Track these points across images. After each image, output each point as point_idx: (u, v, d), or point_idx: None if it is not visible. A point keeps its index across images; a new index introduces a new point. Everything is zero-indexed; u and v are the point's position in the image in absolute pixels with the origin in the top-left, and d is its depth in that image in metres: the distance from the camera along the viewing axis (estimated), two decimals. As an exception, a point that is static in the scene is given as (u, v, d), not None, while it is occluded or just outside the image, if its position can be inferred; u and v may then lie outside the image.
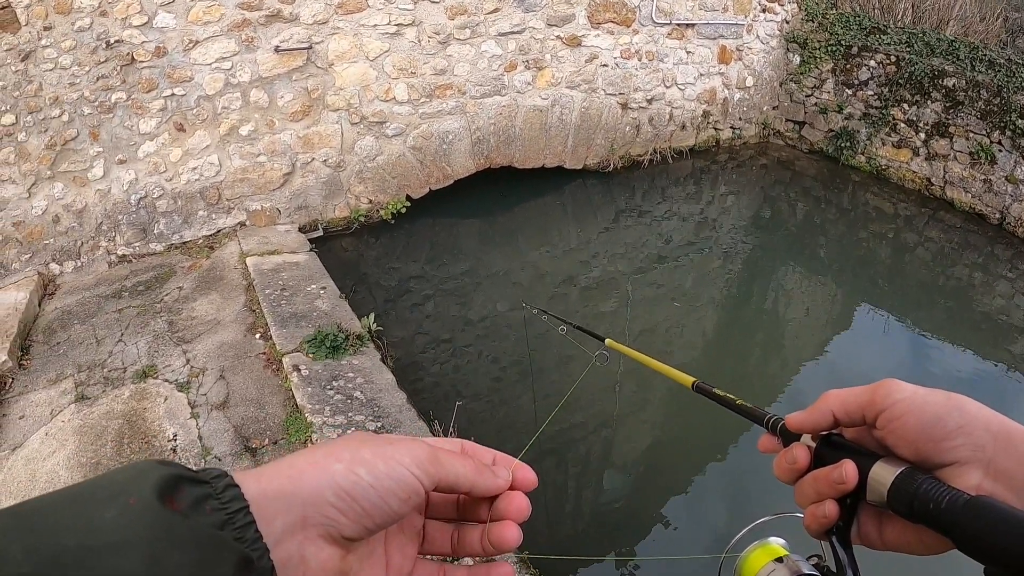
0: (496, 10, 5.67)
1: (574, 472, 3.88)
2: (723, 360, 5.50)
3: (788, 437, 0.59)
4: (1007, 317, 7.19)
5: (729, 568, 0.67)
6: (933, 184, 7.97)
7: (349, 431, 3.24)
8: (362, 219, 5.74)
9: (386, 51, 5.38)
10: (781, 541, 0.65)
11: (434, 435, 3.34)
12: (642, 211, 7.21)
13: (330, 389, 3.56)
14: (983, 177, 7.59)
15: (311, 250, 5.09)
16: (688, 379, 0.89)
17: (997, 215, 7.69)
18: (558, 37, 6.08)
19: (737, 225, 7.58)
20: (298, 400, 3.49)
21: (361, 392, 3.57)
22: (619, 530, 3.54)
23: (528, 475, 0.53)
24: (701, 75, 7.28)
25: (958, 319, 6.92)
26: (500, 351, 4.76)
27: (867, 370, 5.28)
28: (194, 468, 0.39)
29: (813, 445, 0.56)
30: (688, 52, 7.04)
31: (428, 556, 0.53)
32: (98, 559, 0.31)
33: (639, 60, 6.68)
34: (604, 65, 6.47)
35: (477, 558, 0.53)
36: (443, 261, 5.81)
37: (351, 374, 3.70)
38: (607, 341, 1.78)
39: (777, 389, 5.09)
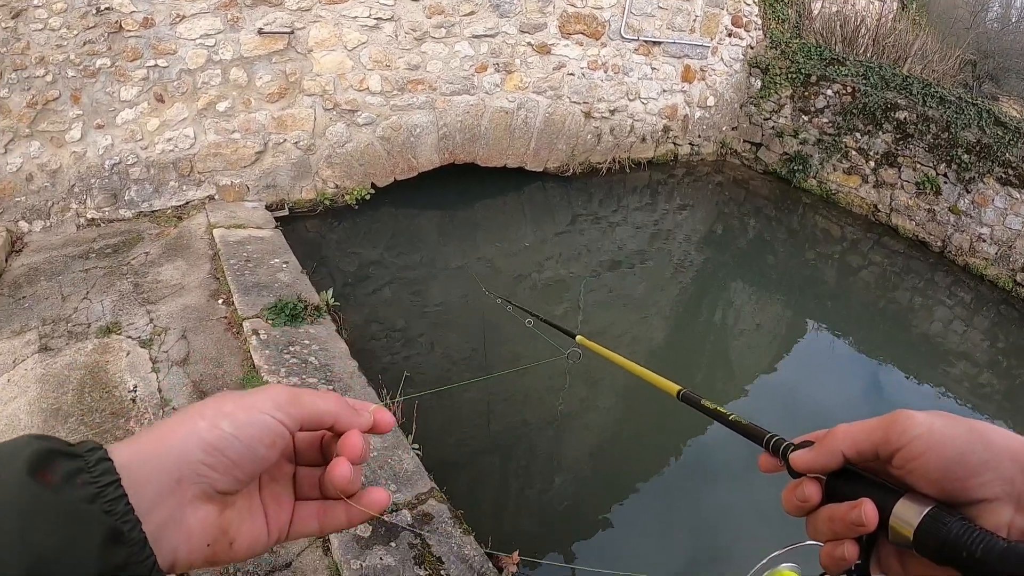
0: (472, 13, 5.93)
1: (525, 468, 3.99)
2: (672, 370, 5.62)
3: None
4: (944, 340, 7.55)
5: None
6: (880, 210, 8.42)
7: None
8: (327, 202, 5.93)
9: (364, 43, 5.60)
10: (793, 566, 0.64)
11: (382, 402, 3.52)
12: (598, 217, 7.45)
13: (286, 353, 3.76)
14: (927, 207, 8.05)
15: (276, 227, 5.27)
16: (673, 387, 0.84)
17: (939, 243, 8.13)
18: (529, 44, 6.37)
19: (690, 238, 7.85)
20: (255, 361, 3.68)
21: (315, 358, 3.77)
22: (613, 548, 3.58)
23: (386, 417, 0.55)
24: (664, 91, 7.64)
25: (898, 341, 7.20)
26: (453, 342, 4.95)
27: (813, 388, 5.49)
28: (71, 442, 0.42)
29: (824, 477, 0.53)
30: (653, 68, 7.39)
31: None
32: None
33: (605, 72, 7.00)
34: (571, 74, 6.78)
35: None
36: (402, 250, 5.98)
37: (307, 341, 3.90)
38: (578, 338, 1.67)
39: (725, 401, 5.26)
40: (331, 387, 3.54)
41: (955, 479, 0.45)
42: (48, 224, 4.79)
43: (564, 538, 3.51)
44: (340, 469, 0.50)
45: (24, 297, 4.19)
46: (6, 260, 4.48)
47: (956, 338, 7.48)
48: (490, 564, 2.54)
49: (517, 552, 2.86)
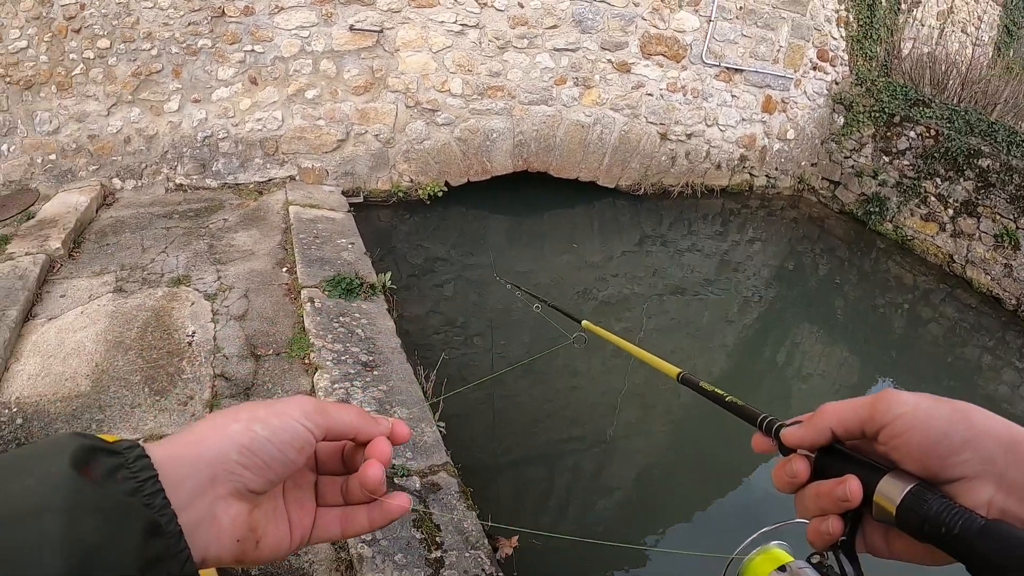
0: (555, 27, 6.09)
1: (570, 465, 3.97)
2: (719, 409, 5.51)
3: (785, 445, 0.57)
4: (1010, 406, 7.08)
5: (734, 571, 0.68)
6: (955, 261, 8.02)
7: (344, 358, 3.53)
8: (401, 195, 6.12)
9: (448, 46, 5.82)
10: (784, 545, 0.65)
11: (417, 380, 3.54)
12: (667, 240, 7.38)
13: (336, 322, 3.86)
14: (1004, 261, 7.61)
15: (349, 211, 5.46)
16: (673, 370, 0.87)
17: (1014, 301, 7.66)
18: (609, 61, 6.46)
19: (760, 272, 7.66)
20: (306, 324, 3.80)
21: (362, 330, 3.86)
22: (618, 522, 3.62)
23: (403, 429, 0.58)
24: (743, 120, 7.57)
25: (961, 397, 6.86)
26: (509, 346, 4.96)
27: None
28: (108, 440, 0.43)
29: (813, 455, 0.55)
30: (733, 96, 7.34)
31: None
32: (18, 524, 0.34)
33: (684, 95, 7.01)
34: (649, 94, 6.82)
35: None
36: (469, 249, 6.09)
37: (357, 315, 4.01)
38: (584, 323, 1.72)
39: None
40: (370, 358, 3.61)
41: (937, 456, 0.47)
42: (139, 184, 5.14)
43: (568, 527, 3.47)
44: (373, 470, 0.53)
45: (108, 244, 4.48)
46: (96, 211, 4.81)
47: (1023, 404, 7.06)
48: (486, 541, 2.51)
49: (516, 538, 2.82)
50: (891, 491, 0.48)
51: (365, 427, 0.55)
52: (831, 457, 0.53)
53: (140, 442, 0.44)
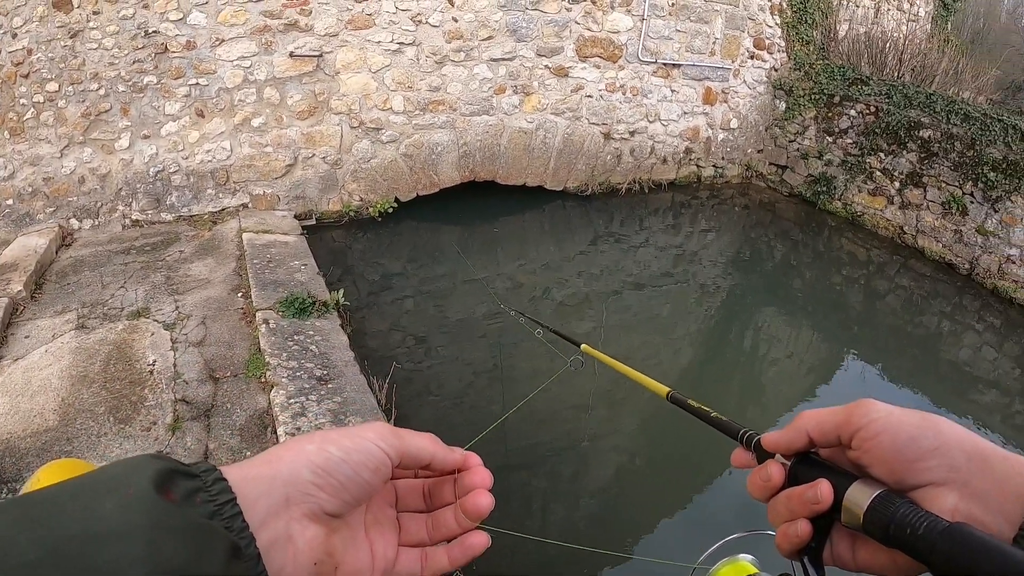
0: (490, 37, 6.32)
1: (543, 472, 4.05)
2: (698, 393, 5.56)
3: (763, 454, 0.59)
4: (972, 368, 7.28)
5: None
6: (906, 232, 8.26)
7: (299, 374, 3.76)
8: (352, 214, 6.34)
9: (387, 65, 6.04)
10: (751, 558, 0.68)
11: (372, 391, 3.75)
12: (620, 237, 7.52)
13: (290, 341, 4.07)
14: (954, 227, 7.83)
15: (302, 234, 5.66)
16: (663, 389, 0.89)
17: (966, 265, 7.87)
18: (547, 67, 6.70)
19: (716, 261, 7.79)
20: (262, 345, 4.01)
21: (316, 347, 4.07)
22: (587, 525, 3.71)
23: (476, 459, 0.56)
24: (685, 113, 7.84)
25: (926, 369, 6.94)
26: (473, 355, 5.08)
27: None
28: (185, 463, 0.43)
29: (788, 463, 0.57)
30: (673, 90, 7.60)
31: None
32: (101, 546, 0.34)
33: (623, 94, 7.27)
34: (589, 96, 7.07)
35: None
36: (424, 262, 6.22)
37: (311, 332, 4.21)
38: (583, 347, 1.83)
39: (757, 427, 5.18)
40: (324, 372, 3.82)
41: (905, 461, 0.49)
42: (96, 223, 5.33)
43: (533, 527, 3.63)
44: (484, 499, 0.54)
45: (68, 284, 4.67)
46: (56, 252, 5.01)
47: (986, 365, 7.18)
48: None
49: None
50: (860, 496, 0.49)
51: (440, 454, 0.54)
52: (805, 465, 0.56)
53: (215, 466, 0.44)
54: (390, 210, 6.46)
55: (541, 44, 6.58)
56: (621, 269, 7.00)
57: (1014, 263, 7.51)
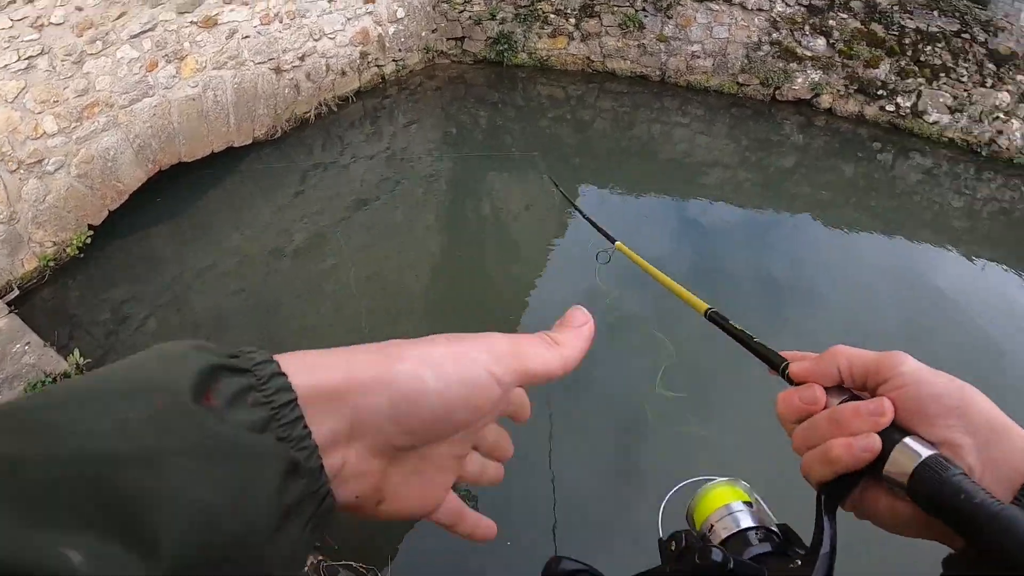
0: (123, 14, 5.47)
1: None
2: (460, 280, 5.84)
3: (790, 383, 0.57)
4: (692, 156, 8.37)
5: (684, 499, 0.69)
6: (593, 61, 8.97)
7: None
8: (52, 264, 5.49)
9: (23, 88, 5.03)
10: (747, 486, 0.65)
11: None
12: (327, 164, 7.33)
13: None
14: (636, 43, 8.63)
15: (11, 311, 4.87)
16: (702, 305, 0.82)
17: (657, 72, 8.81)
18: (193, 23, 6.01)
19: (429, 149, 7.93)
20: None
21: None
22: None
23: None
24: (349, 19, 7.58)
25: (651, 172, 7.82)
26: (242, 338, 4.89)
27: (591, 249, 5.93)
28: (234, 351, 0.35)
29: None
30: (330, 1, 7.24)
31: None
32: (123, 468, 0.27)
33: (280, 22, 6.81)
34: (246, 37, 6.52)
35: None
36: (146, 277, 5.66)
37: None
38: (617, 244, 1.67)
39: (522, 293, 5.44)
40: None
41: (928, 415, 0.49)
42: None
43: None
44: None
45: None
46: None
47: (703, 151, 8.35)
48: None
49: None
50: (918, 447, 0.47)
51: (566, 364, 0.43)
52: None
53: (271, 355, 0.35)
54: (88, 241, 5.68)
55: (179, 1, 5.84)
56: (339, 194, 6.90)
57: (699, 57, 8.54)
